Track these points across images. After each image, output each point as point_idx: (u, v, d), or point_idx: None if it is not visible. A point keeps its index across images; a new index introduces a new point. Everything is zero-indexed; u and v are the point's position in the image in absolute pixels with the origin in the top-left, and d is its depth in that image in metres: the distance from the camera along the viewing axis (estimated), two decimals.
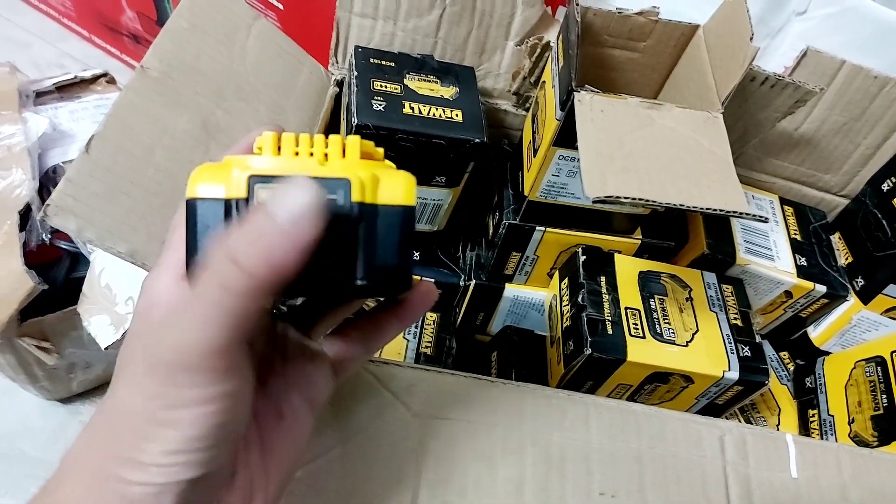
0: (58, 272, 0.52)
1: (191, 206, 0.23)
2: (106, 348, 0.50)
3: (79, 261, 0.53)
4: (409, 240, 0.24)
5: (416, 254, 0.58)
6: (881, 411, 0.49)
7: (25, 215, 0.50)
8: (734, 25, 0.43)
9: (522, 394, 0.39)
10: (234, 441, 0.24)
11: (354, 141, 0.25)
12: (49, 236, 0.52)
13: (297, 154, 0.24)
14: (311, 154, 0.24)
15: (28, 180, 0.50)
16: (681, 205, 0.36)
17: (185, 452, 0.21)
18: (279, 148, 0.25)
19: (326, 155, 0.24)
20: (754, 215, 0.36)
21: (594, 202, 0.36)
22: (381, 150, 0.26)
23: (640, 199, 0.36)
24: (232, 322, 0.20)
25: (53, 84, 0.59)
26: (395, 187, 0.24)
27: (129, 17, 0.72)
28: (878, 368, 0.50)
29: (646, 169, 0.38)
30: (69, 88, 0.60)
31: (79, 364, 0.53)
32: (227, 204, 0.23)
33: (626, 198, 0.36)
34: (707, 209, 0.36)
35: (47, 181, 0.52)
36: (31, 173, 0.51)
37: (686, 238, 0.57)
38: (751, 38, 0.41)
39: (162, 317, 0.23)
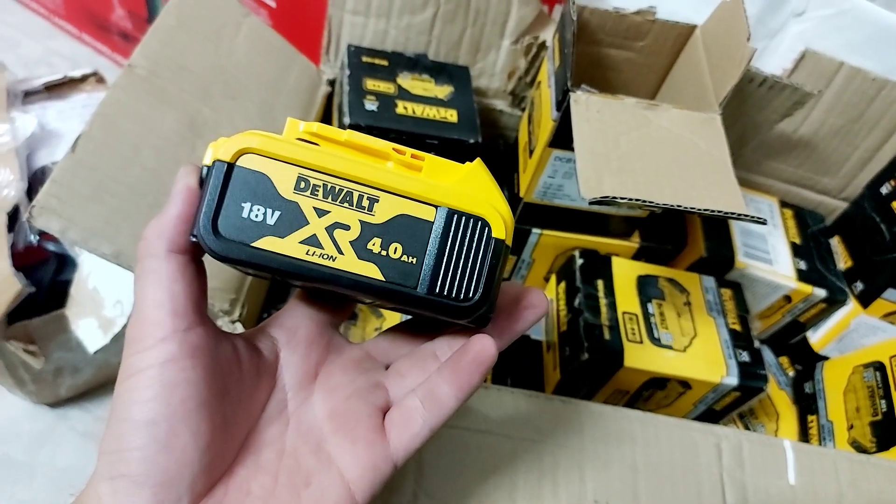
0: (44, 274, 0.51)
1: (234, 170, 0.22)
2: (94, 353, 0.49)
3: (66, 263, 0.52)
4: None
5: None
6: (880, 417, 0.48)
7: (13, 216, 0.49)
8: (731, 26, 0.42)
9: (516, 400, 0.39)
10: None
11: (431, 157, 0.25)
12: (37, 238, 0.51)
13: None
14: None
15: (16, 181, 0.50)
16: (677, 205, 0.35)
17: None
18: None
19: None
20: (752, 217, 0.35)
21: (590, 203, 0.36)
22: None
23: (636, 200, 0.35)
24: None
25: (42, 84, 0.58)
26: (498, 222, 0.24)
27: (119, 15, 0.71)
28: (877, 374, 0.50)
29: (642, 170, 0.37)
30: (58, 88, 0.59)
31: (66, 368, 0.53)
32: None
33: (622, 198, 0.35)
34: (704, 210, 0.35)
35: (35, 182, 0.51)
36: (18, 174, 0.50)
37: (685, 241, 0.56)
38: (748, 39, 0.40)
39: None
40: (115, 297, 0.49)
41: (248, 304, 0.40)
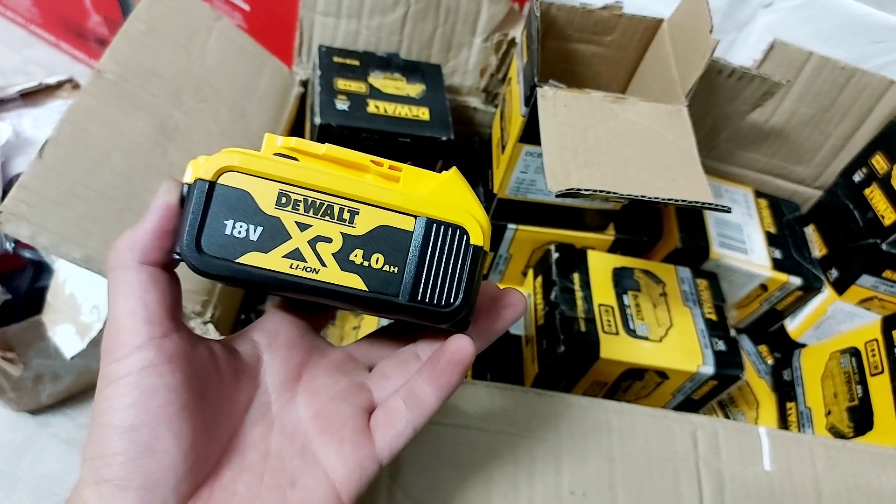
0: (21, 282, 0.51)
1: (215, 188, 0.23)
2: (72, 358, 0.49)
3: (42, 270, 0.52)
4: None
5: None
6: (856, 402, 0.48)
7: None
8: (695, 19, 0.43)
9: (492, 393, 0.39)
10: None
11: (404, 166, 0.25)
12: (13, 245, 0.51)
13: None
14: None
15: None
16: (643, 196, 0.36)
17: None
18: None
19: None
20: (717, 205, 0.36)
21: (557, 196, 0.36)
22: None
23: (602, 192, 0.36)
24: None
25: (17, 91, 0.58)
26: (475, 228, 0.25)
27: (95, 22, 0.71)
28: (853, 359, 0.50)
29: (609, 162, 0.38)
30: (33, 95, 0.59)
31: (46, 375, 0.52)
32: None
33: (588, 190, 0.35)
34: (670, 200, 0.36)
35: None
36: None
37: (660, 233, 0.57)
38: (711, 31, 0.40)
39: None
40: (92, 303, 0.49)
41: (220, 306, 0.40)
